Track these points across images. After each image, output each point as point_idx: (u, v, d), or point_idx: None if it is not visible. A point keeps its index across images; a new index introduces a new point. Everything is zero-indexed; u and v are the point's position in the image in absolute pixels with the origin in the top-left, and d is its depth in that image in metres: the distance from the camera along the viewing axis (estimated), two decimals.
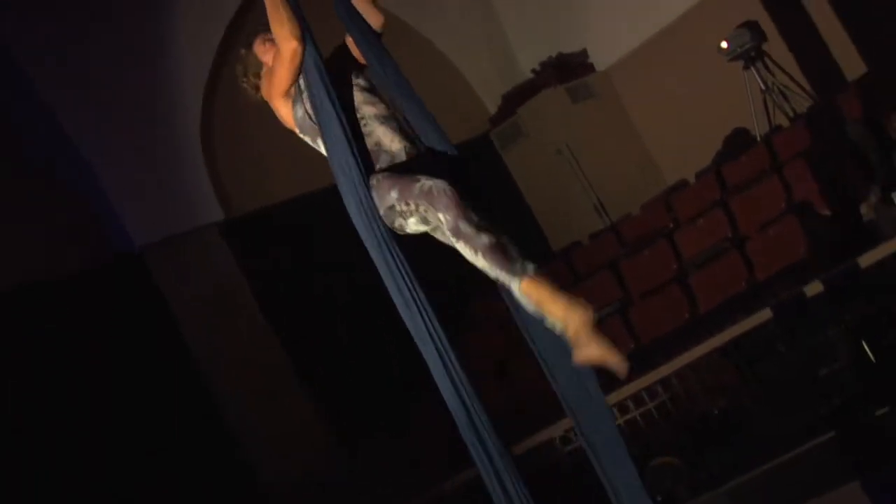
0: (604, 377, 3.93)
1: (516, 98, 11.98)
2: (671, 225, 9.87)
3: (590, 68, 11.97)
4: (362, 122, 3.98)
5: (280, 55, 3.90)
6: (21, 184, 8.69)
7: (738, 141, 10.89)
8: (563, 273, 10.29)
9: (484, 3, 12.04)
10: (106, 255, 9.09)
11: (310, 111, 3.97)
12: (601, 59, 11.97)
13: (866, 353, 6.99)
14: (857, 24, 10.11)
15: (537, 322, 3.85)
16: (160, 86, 9.52)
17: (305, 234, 9.80)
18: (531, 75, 12.11)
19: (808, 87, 10.55)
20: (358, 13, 4.04)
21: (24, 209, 8.63)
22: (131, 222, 9.18)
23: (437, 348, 3.78)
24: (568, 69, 11.89)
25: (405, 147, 3.96)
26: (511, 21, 12.13)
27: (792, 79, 10.54)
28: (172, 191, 9.50)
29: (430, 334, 3.78)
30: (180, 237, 9.39)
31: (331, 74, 3.90)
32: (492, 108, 12.35)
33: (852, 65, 10.17)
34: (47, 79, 8.78)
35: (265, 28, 4.00)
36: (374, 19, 4.09)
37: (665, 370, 7.83)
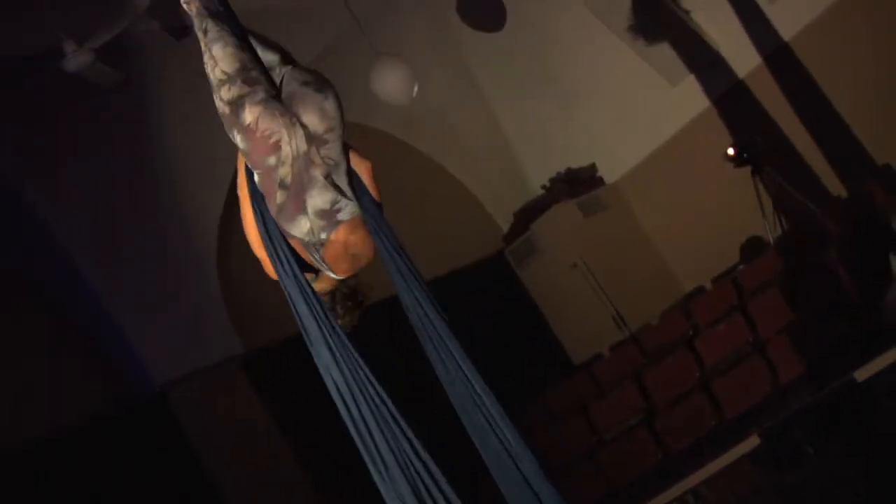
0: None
1: (528, 214, 12.09)
2: (691, 332, 9.87)
3: (599, 181, 12.12)
4: None
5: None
6: (42, 336, 8.88)
7: (753, 244, 10.93)
8: (586, 386, 10.28)
9: (491, 123, 12.24)
10: (128, 396, 9.19)
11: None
12: (610, 171, 12.13)
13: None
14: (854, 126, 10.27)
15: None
16: (176, 224, 9.75)
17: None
18: (541, 191, 12.26)
19: (817, 185, 10.61)
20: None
21: (47, 360, 8.79)
22: (151, 362, 9.30)
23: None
24: (578, 183, 12.03)
25: None
26: (519, 139, 12.34)
27: (799, 182, 10.60)
28: (191, 327, 9.62)
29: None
30: (200, 373, 9.47)
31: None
32: (504, 225, 12.47)
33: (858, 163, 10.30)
34: (69, 233, 9.06)
35: None
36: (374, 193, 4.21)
37: (695, 479, 7.78)
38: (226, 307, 9.95)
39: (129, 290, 9.30)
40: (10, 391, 8.41)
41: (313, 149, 3.96)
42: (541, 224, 11.77)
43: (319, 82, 4.07)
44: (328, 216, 3.98)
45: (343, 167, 4.04)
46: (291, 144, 3.93)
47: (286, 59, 4.22)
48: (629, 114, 11.47)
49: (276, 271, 4.05)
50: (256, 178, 4.04)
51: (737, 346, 8.94)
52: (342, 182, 4.03)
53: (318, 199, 3.97)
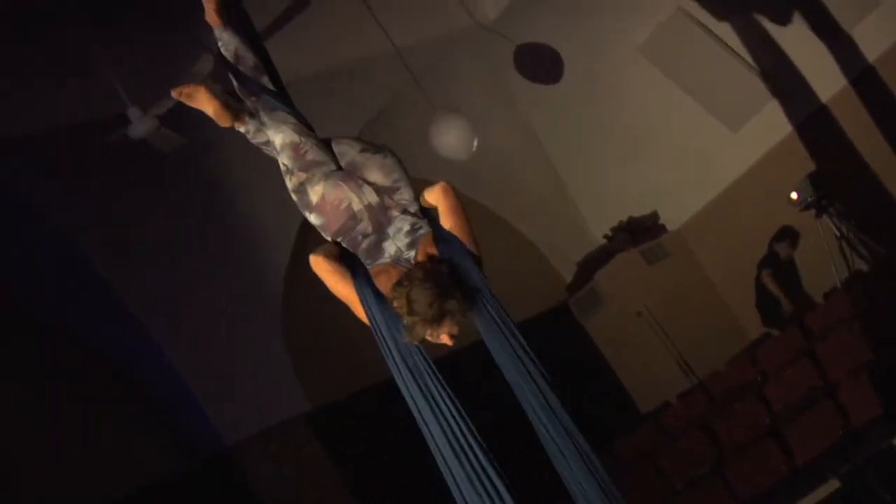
0: None
1: (591, 264, 12.08)
2: (759, 378, 9.75)
3: (662, 229, 12.11)
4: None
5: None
6: (111, 396, 9.07)
7: (820, 287, 10.79)
8: (654, 435, 10.17)
9: (550, 174, 12.28)
10: (196, 456, 9.33)
11: None
12: (672, 218, 12.13)
13: None
14: None
15: None
16: (241, 282, 9.86)
17: (392, 419, 9.83)
18: (604, 241, 12.25)
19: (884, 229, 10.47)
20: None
21: (117, 420, 9.00)
22: (219, 422, 9.41)
23: None
24: (640, 231, 12.04)
25: None
26: (578, 188, 12.37)
27: (863, 225, 10.47)
28: (257, 385, 9.70)
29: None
30: (267, 431, 9.57)
31: None
32: (567, 276, 12.48)
33: None
34: (138, 299, 9.23)
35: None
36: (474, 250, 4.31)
37: None
38: (292, 365, 10.05)
39: (196, 350, 9.43)
40: (83, 453, 8.60)
41: (385, 197, 4.26)
42: (604, 273, 11.76)
43: (375, 146, 4.40)
44: (411, 234, 4.24)
45: (416, 205, 4.32)
46: (363, 201, 4.23)
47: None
48: (690, 160, 11.46)
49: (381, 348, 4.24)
50: (343, 243, 4.30)
51: (806, 390, 8.82)
52: (417, 210, 4.32)
53: (400, 230, 4.24)
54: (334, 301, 4.42)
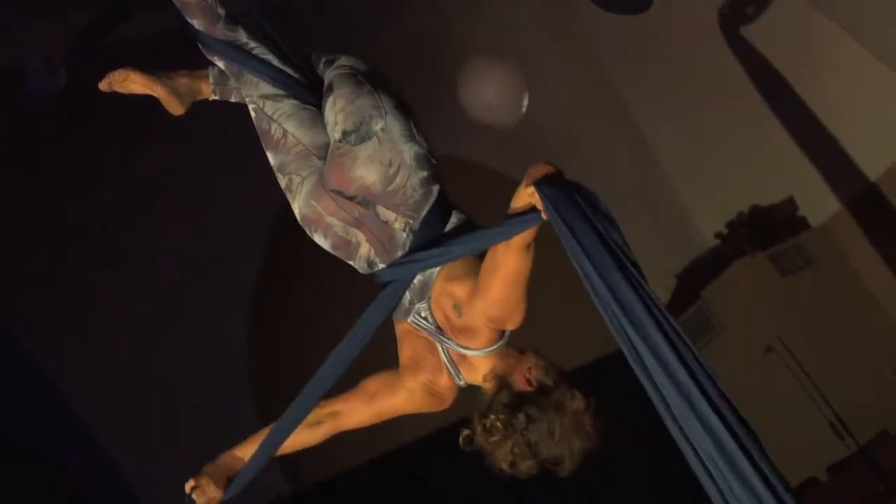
0: None
1: (697, 277, 12.13)
2: None
3: (801, 224, 12.04)
4: None
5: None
6: None
7: None
8: None
9: (637, 146, 12.38)
10: None
11: None
12: (817, 208, 12.03)
13: None
14: None
15: None
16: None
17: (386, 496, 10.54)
18: (716, 241, 12.26)
19: None
20: None
21: None
22: None
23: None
24: (769, 228, 11.99)
25: None
26: (679, 166, 12.42)
27: None
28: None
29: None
30: None
31: None
32: (663, 294, 12.49)
33: None
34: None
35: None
36: None
37: None
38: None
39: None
40: None
41: (380, 209, 4.26)
42: (716, 290, 11.81)
43: (362, 117, 4.28)
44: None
45: (429, 202, 4.30)
46: (345, 218, 4.27)
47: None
48: (844, 120, 11.29)
49: None
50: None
51: None
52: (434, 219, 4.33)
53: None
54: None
